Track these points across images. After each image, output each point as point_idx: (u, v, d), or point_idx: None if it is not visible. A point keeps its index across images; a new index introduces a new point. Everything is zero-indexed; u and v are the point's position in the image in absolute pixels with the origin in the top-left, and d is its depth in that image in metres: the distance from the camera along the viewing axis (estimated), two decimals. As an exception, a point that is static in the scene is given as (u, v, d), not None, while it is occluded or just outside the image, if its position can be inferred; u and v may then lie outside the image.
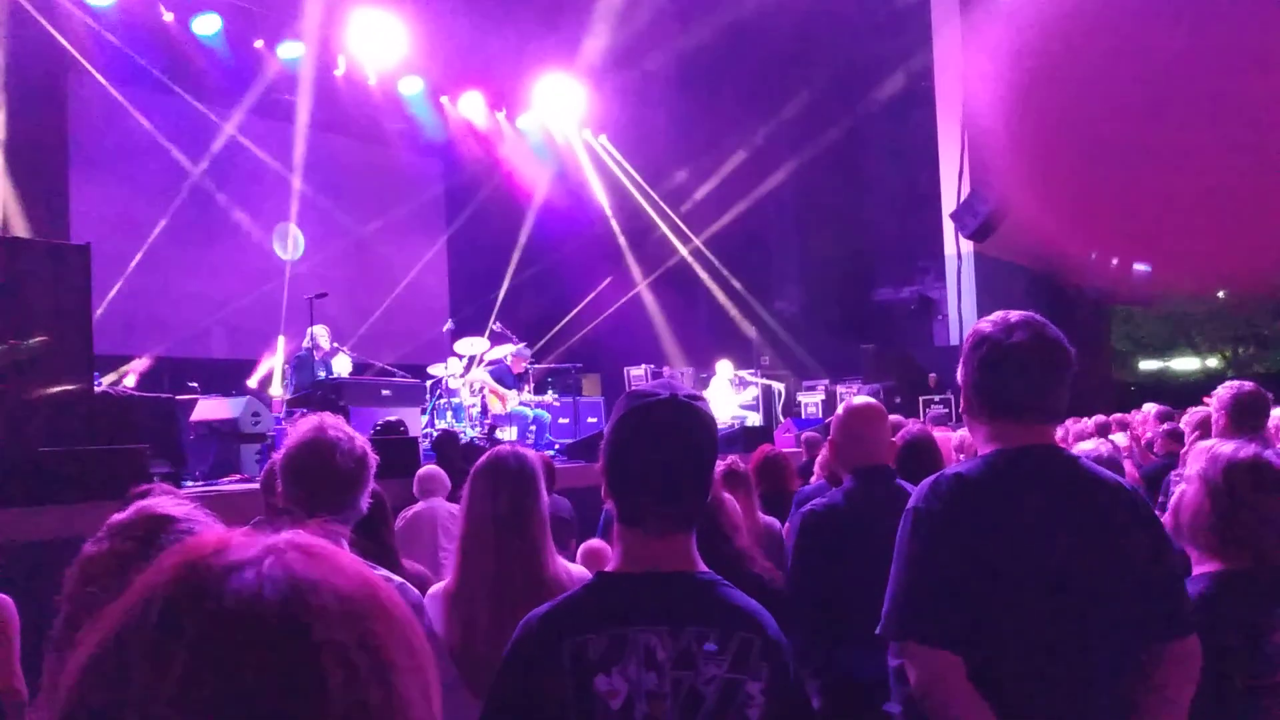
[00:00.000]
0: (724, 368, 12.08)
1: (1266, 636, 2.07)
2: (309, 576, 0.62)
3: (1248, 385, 4.11)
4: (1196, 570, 2.22)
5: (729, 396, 11.95)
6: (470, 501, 2.41)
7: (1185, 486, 2.27)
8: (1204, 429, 4.78)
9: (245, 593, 0.61)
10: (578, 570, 2.40)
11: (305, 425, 2.14)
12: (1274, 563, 2.15)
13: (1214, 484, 2.19)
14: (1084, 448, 3.10)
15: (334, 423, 2.16)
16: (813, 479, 5.09)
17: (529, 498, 2.37)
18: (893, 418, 3.71)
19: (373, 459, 2.16)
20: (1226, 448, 2.25)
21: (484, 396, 10.05)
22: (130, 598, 0.63)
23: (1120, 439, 6.71)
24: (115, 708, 0.59)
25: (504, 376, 10.06)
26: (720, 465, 4.15)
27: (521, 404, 10.07)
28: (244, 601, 0.60)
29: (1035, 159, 7.42)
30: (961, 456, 3.69)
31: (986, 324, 1.95)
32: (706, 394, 11.71)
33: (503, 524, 2.33)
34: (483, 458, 2.51)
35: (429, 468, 5.23)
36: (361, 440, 2.17)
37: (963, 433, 4.26)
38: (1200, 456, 2.27)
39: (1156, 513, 2.00)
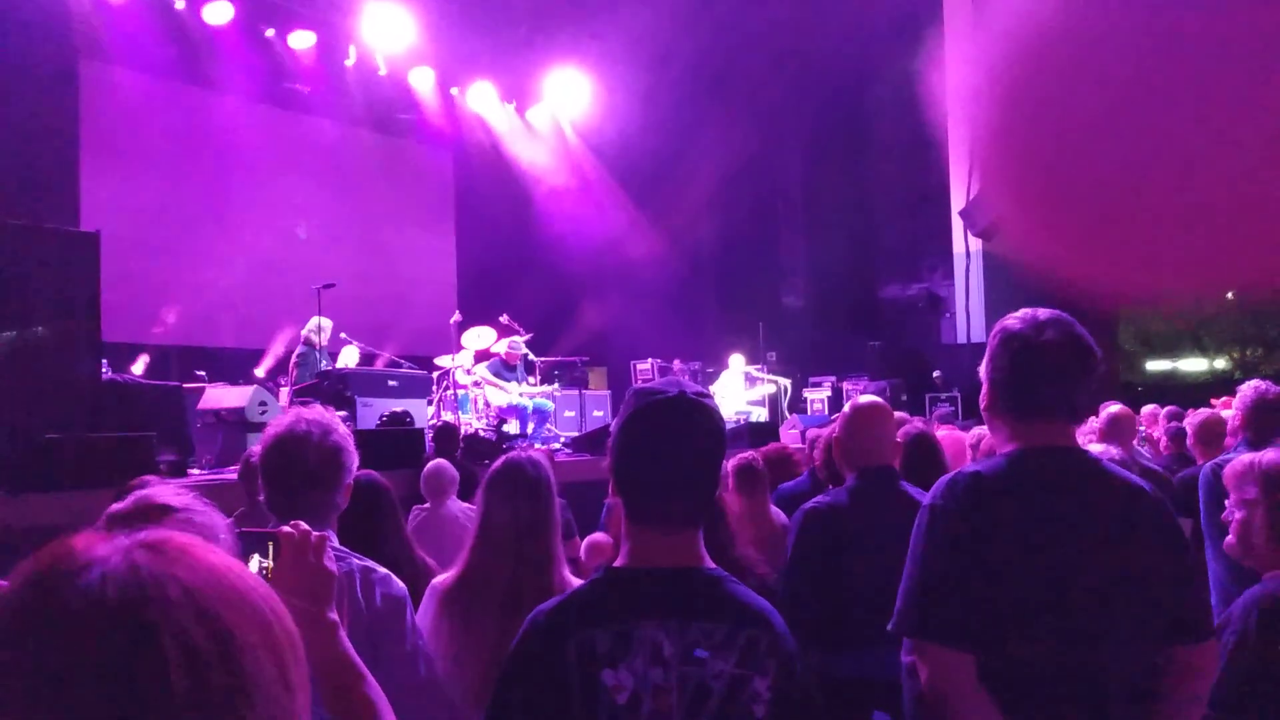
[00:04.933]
0: (737, 361, 12.06)
1: None
2: (153, 571, 0.66)
3: (1274, 388, 3.98)
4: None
5: (740, 391, 11.93)
6: (486, 507, 2.43)
7: (1235, 512, 2.27)
8: (1208, 430, 4.74)
9: (90, 592, 0.64)
10: (578, 583, 2.42)
11: (281, 421, 2.06)
12: None
13: (1251, 497, 2.20)
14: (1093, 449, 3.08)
15: (313, 416, 2.04)
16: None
17: (544, 506, 2.41)
18: (898, 415, 3.69)
19: (350, 452, 2.05)
20: (1248, 458, 2.25)
21: (484, 389, 10.06)
22: None
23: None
24: None
25: (499, 369, 10.06)
26: (734, 461, 4.08)
27: (521, 395, 10.07)
28: (89, 600, 0.64)
29: (1034, 165, 7.39)
30: (975, 455, 3.66)
31: (1015, 321, 1.91)
32: (717, 387, 11.72)
33: (523, 532, 2.36)
34: (498, 463, 2.51)
35: (435, 464, 4.77)
36: (340, 433, 2.05)
37: (979, 430, 4.21)
38: (1231, 477, 2.26)
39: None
